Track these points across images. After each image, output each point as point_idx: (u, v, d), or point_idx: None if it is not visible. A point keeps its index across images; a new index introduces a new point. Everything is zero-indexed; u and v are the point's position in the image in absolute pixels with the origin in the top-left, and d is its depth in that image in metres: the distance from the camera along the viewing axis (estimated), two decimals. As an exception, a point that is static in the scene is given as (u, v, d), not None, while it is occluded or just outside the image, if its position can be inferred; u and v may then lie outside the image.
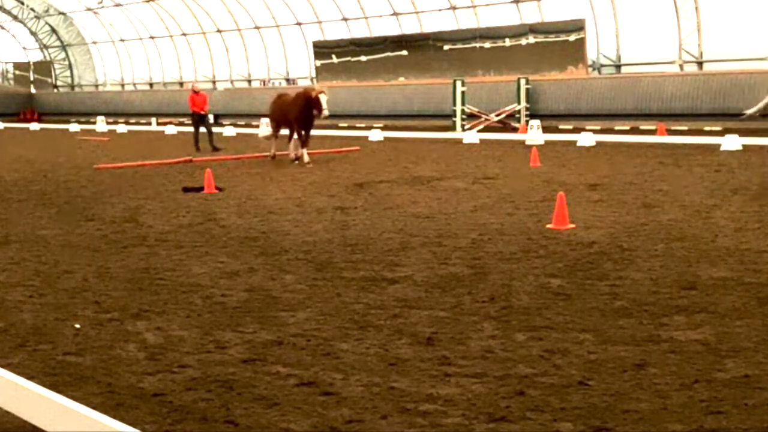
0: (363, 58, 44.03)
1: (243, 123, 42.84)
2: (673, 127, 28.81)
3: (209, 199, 14.49)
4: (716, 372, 5.39)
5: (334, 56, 45.48)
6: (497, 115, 32.81)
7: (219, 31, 52.64)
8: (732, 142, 21.56)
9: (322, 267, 8.81)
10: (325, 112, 20.38)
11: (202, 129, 26.42)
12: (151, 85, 57.92)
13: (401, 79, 41.62)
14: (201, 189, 15.46)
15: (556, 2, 37.69)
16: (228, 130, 35.87)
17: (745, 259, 8.61)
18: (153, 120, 45.89)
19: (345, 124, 38.44)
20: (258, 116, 38.06)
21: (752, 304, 6.97)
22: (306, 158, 20.36)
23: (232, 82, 52.89)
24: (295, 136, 21.27)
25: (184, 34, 54.66)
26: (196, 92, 26.68)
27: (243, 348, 6.08)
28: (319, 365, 5.67)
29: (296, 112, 20.80)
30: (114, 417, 4.18)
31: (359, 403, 4.98)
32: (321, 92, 20.36)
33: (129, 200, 14.54)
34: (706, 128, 29.04)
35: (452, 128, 32.00)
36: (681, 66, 34.41)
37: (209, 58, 54.14)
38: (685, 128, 29.18)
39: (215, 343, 6.22)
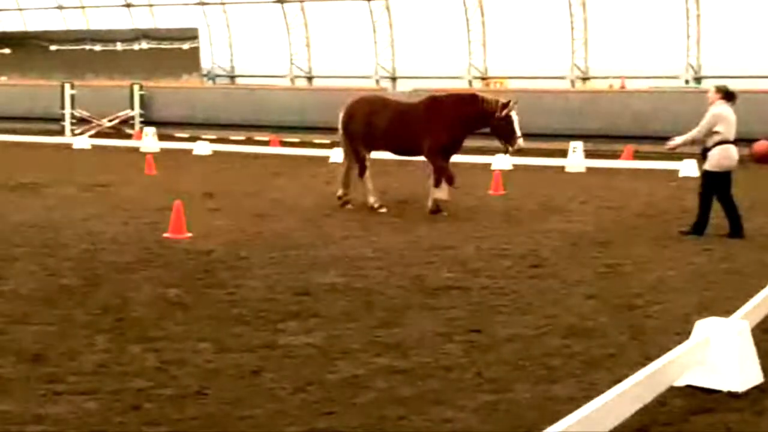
0: (-41, 54, 40.57)
1: None
2: (285, 139, 29.84)
3: None
4: (327, 374, 5.65)
5: (-77, 50, 41.36)
6: (110, 121, 31.83)
7: None
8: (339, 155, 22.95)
9: None
10: (520, 142, 12.41)
11: None
12: None
13: (3, 78, 38.91)
14: None
15: (169, 9, 37.50)
16: None
17: (352, 265, 9.13)
18: None
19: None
20: None
21: (359, 307, 7.41)
22: (443, 195, 12.77)
23: None
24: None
25: None
26: None
27: None
28: None
29: (445, 129, 12.62)
30: None
31: (-46, 432, 4.53)
32: (508, 106, 12.25)
33: None
34: (316, 141, 30.47)
35: (61, 132, 30.47)
36: (292, 80, 35.83)
37: None
38: (297, 140, 30.38)
39: None
